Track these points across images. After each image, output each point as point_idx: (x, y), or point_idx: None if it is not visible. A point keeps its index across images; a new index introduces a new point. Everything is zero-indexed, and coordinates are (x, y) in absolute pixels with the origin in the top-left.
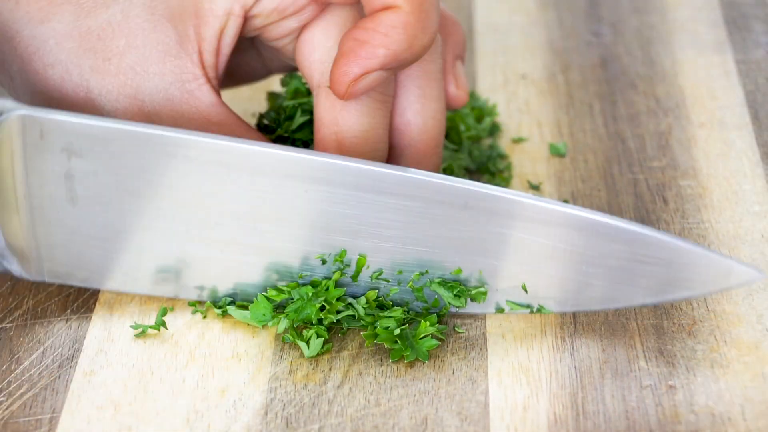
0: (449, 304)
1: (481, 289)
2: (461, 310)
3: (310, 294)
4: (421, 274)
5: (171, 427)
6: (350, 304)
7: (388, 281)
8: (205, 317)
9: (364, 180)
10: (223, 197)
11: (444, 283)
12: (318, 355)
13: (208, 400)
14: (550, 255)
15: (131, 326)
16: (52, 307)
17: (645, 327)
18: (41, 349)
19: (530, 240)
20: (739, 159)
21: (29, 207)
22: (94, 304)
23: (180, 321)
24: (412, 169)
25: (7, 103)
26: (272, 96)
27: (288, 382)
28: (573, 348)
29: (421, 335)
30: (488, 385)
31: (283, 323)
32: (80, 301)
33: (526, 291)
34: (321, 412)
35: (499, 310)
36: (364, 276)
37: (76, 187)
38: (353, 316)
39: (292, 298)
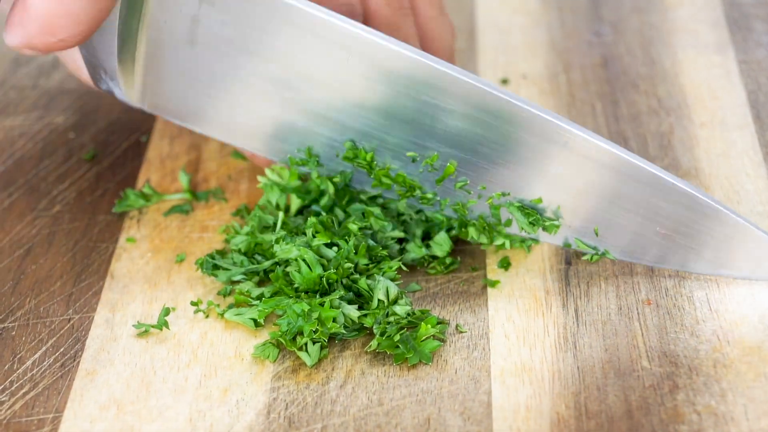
0: (522, 228)
1: (555, 222)
2: (530, 235)
3: (306, 310)
4: (504, 194)
5: (173, 427)
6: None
7: (469, 192)
8: (207, 317)
9: (473, 96)
10: (330, 76)
11: (522, 208)
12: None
13: (211, 400)
14: (630, 208)
15: (134, 326)
16: (54, 306)
17: (648, 327)
18: (43, 348)
19: (616, 191)
20: (740, 159)
21: (149, 39)
22: (96, 304)
23: (182, 321)
24: (524, 99)
25: None
26: None
27: (291, 382)
28: (576, 348)
29: (423, 337)
30: (491, 384)
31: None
32: (82, 300)
33: (597, 234)
34: (324, 412)
35: (566, 245)
36: (448, 183)
37: (199, 30)
38: (347, 326)
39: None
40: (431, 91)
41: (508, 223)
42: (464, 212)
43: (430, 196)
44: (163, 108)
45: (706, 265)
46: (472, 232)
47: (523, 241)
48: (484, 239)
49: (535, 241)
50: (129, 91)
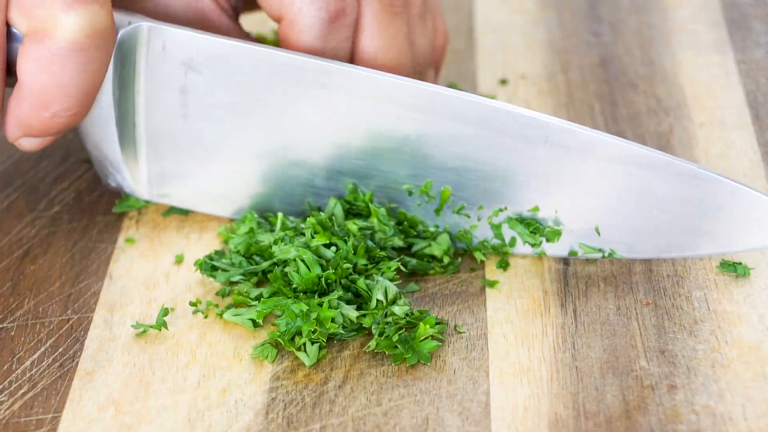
0: (525, 242)
1: (556, 228)
2: (534, 250)
3: (305, 311)
4: (500, 210)
5: (172, 427)
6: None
7: (468, 216)
8: (206, 317)
9: (454, 110)
10: (320, 120)
11: (521, 219)
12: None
13: (210, 400)
14: (624, 197)
15: (132, 326)
16: (53, 307)
17: (646, 327)
18: (42, 348)
19: (606, 179)
20: (739, 159)
21: (145, 121)
22: (95, 304)
23: (181, 321)
24: (498, 101)
25: (134, 16)
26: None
27: (289, 382)
28: (574, 348)
29: (421, 338)
30: (489, 385)
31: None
32: (81, 301)
33: (598, 233)
34: (322, 412)
35: (572, 253)
36: (447, 210)
37: (189, 101)
38: (345, 327)
39: (290, 322)
40: (416, 113)
41: (513, 242)
42: (468, 238)
43: (432, 229)
44: (170, 195)
45: (718, 243)
46: (479, 256)
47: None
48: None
49: (543, 253)
50: (136, 182)
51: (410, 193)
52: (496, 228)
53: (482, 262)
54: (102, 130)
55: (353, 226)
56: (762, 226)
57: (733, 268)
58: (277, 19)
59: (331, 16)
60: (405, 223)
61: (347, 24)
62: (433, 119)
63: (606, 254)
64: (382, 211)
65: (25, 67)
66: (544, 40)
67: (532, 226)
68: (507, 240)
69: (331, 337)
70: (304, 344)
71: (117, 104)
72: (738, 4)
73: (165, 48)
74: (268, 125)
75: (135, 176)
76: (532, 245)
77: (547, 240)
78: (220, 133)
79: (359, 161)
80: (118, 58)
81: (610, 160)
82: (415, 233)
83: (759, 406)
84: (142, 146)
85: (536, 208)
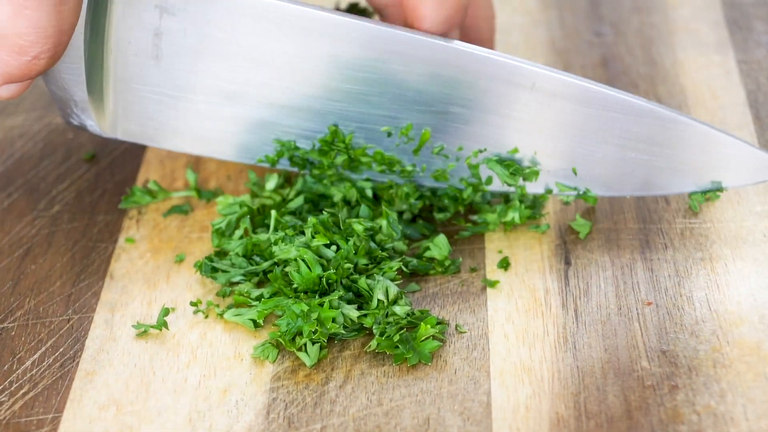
0: (504, 182)
1: (534, 169)
2: (510, 189)
3: (305, 311)
4: (480, 151)
5: (173, 427)
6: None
7: (447, 157)
8: (206, 317)
9: (437, 55)
10: (300, 63)
11: (500, 161)
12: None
13: (210, 400)
14: (601, 138)
15: (133, 326)
16: (54, 307)
17: (647, 327)
18: (43, 348)
19: (588, 123)
20: None
21: (115, 62)
22: (96, 304)
23: (182, 321)
24: (483, 49)
25: None
26: None
27: (290, 382)
28: (575, 348)
29: (422, 338)
30: (490, 385)
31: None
32: (82, 300)
33: (575, 173)
34: (323, 412)
35: (548, 191)
36: (426, 151)
37: (162, 44)
38: (346, 327)
39: (290, 323)
40: (394, 58)
41: (489, 180)
42: (445, 178)
43: (409, 168)
44: (135, 132)
45: (689, 182)
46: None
47: (531, 216)
48: (478, 198)
49: (533, 216)
50: (101, 121)
51: (389, 135)
52: (474, 168)
53: (480, 209)
54: (69, 72)
55: (358, 226)
56: (727, 165)
57: (702, 198)
58: None
59: None
60: (383, 164)
61: None
62: (414, 64)
63: (580, 193)
64: (393, 215)
65: None
66: (545, 40)
67: (511, 167)
68: (484, 179)
69: (331, 337)
70: (305, 344)
71: (87, 45)
72: (739, 4)
73: None
74: (245, 68)
75: (100, 115)
76: (511, 185)
77: (525, 180)
78: (193, 74)
79: (339, 103)
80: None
81: (590, 104)
82: (393, 171)
83: (760, 406)
84: (109, 86)
85: (515, 150)
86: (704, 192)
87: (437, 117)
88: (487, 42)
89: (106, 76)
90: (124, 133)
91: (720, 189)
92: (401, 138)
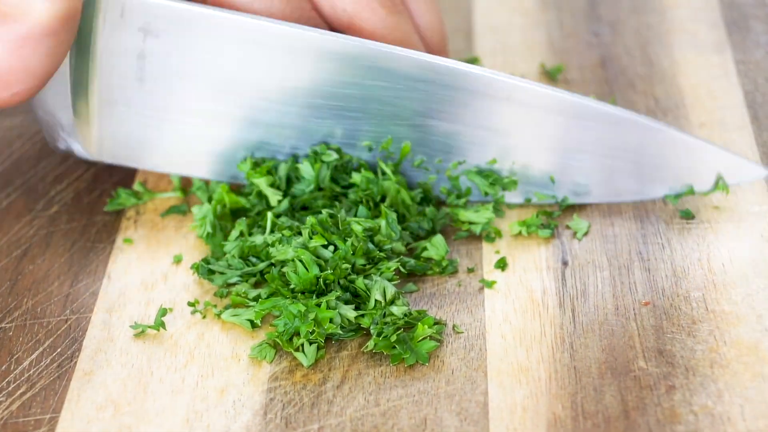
0: (484, 192)
1: (513, 179)
2: (490, 198)
3: (303, 311)
4: (459, 163)
5: (170, 427)
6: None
7: (428, 170)
8: (204, 318)
9: (416, 69)
10: (283, 82)
11: (480, 172)
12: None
13: (208, 400)
14: (579, 148)
15: (131, 326)
16: (52, 307)
17: (644, 327)
18: (40, 349)
19: (563, 133)
20: None
21: (100, 85)
22: (94, 305)
23: (179, 321)
24: (460, 62)
25: None
26: None
27: (287, 383)
28: (572, 348)
29: (420, 338)
30: (488, 385)
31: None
32: (79, 301)
33: (553, 182)
34: (320, 413)
35: (527, 200)
36: (407, 164)
37: (147, 66)
38: (343, 327)
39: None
40: (375, 74)
41: (468, 192)
42: (429, 188)
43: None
44: (121, 155)
45: (664, 187)
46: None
47: (541, 226)
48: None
49: (501, 199)
50: (87, 144)
51: (370, 149)
52: (454, 179)
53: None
54: (56, 97)
55: (357, 226)
56: (704, 171)
57: (675, 200)
58: None
59: None
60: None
61: None
62: (396, 79)
63: (559, 200)
64: (393, 215)
65: None
66: (543, 41)
67: (490, 177)
68: (464, 190)
69: (329, 338)
70: (303, 345)
71: (72, 70)
72: (737, 4)
73: (123, 14)
74: (228, 88)
75: (86, 139)
76: (489, 195)
77: (505, 189)
78: (176, 95)
79: (323, 120)
80: None
81: (568, 115)
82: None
83: (757, 406)
84: (94, 110)
85: (494, 161)
86: (677, 195)
87: (416, 130)
88: (436, 48)
89: (92, 100)
90: (111, 156)
91: (692, 192)
92: (382, 152)
